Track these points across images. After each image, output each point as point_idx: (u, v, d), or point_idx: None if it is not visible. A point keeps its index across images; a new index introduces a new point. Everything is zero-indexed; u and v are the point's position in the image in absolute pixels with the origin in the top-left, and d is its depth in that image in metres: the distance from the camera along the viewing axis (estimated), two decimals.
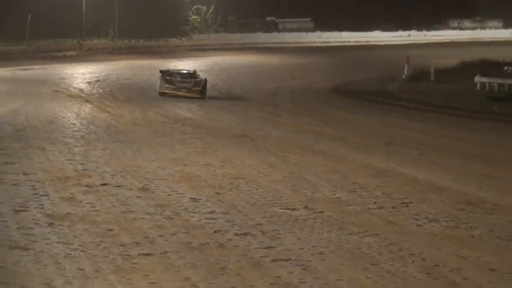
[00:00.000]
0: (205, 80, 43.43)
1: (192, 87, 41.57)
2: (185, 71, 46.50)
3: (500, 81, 54.13)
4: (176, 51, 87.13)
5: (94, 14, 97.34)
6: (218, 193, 16.69)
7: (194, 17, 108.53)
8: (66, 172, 18.62)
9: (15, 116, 30.40)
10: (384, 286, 10.70)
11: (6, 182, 17.00)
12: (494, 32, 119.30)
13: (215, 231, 13.38)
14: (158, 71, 44.84)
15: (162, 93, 41.92)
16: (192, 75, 44.29)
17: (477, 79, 54.95)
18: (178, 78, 42.79)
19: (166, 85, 41.73)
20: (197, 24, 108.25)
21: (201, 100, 41.74)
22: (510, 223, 14.65)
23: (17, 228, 13.06)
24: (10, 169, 18.64)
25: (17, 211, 14.29)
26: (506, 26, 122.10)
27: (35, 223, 13.47)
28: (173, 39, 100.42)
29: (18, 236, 12.57)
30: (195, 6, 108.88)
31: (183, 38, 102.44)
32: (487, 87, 53.13)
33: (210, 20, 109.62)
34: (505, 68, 66.76)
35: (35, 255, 11.60)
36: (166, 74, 43.65)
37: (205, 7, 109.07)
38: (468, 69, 65.45)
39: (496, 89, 52.10)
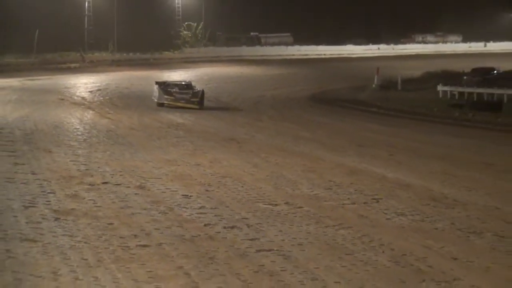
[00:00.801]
0: (203, 91, 41.58)
1: (190, 98, 39.88)
2: (181, 82, 44.68)
3: (460, 89, 54.29)
4: (169, 63, 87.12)
5: (95, 30, 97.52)
6: (207, 191, 16.69)
7: (185, 32, 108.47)
8: (70, 172, 18.60)
9: (24, 122, 30.39)
10: (357, 274, 10.71)
11: (16, 181, 16.97)
12: (454, 46, 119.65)
13: (205, 225, 13.38)
14: (154, 83, 43.25)
15: (161, 104, 40.10)
16: (189, 86, 42.47)
17: (440, 88, 55.10)
18: (176, 89, 40.94)
19: (165, 96, 40.04)
20: (188, 39, 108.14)
21: None
22: (469, 217, 14.68)
23: (27, 222, 13.04)
24: (20, 169, 18.62)
25: (26, 207, 14.27)
26: (465, 40, 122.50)
27: (43, 218, 13.46)
28: (167, 52, 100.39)
29: (28, 230, 12.55)
30: (186, 23, 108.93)
31: (175, 52, 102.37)
32: (448, 95, 53.31)
33: (200, 35, 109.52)
34: (464, 78, 66.98)
35: (43, 246, 11.59)
36: (164, 85, 41.82)
37: (195, 24, 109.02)
38: (431, 79, 65.59)
39: (456, 96, 52.26)
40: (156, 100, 40.95)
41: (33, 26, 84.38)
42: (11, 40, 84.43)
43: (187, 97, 39.93)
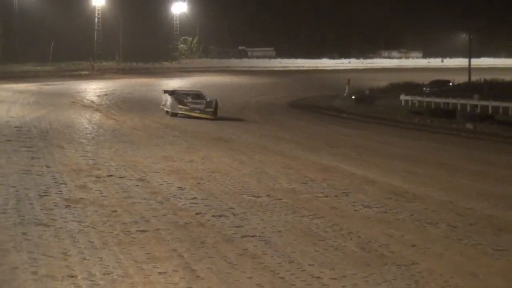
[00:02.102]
0: (216, 101, 36.91)
1: (205, 108, 35.36)
2: (192, 91, 40.22)
3: (420, 98, 54.60)
4: (167, 72, 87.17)
5: (103, 42, 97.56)
6: (199, 183, 16.66)
7: (182, 45, 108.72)
8: (80, 165, 18.54)
9: (41, 121, 30.29)
10: (329, 257, 10.71)
11: (32, 173, 16.90)
12: (415, 61, 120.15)
13: (196, 213, 13.36)
14: (163, 91, 39.29)
15: (174, 113, 35.57)
16: (200, 95, 38.01)
17: (402, 97, 55.36)
18: (189, 99, 36.30)
19: (179, 106, 35.44)
20: (184, 51, 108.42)
21: None
22: (426, 209, 14.70)
23: (41, 209, 12.99)
24: (36, 163, 18.55)
25: (41, 196, 14.22)
26: (425, 56, 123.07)
27: (55, 205, 13.41)
28: (165, 63, 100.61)
29: (42, 216, 12.50)
30: (183, 37, 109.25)
31: (173, 62, 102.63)
32: (409, 103, 53.57)
33: (195, 48, 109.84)
34: (424, 88, 67.37)
35: (55, 230, 11.55)
36: (176, 95, 37.07)
37: (191, 38, 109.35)
38: (395, 89, 65.87)
39: (417, 105, 52.52)
40: (168, 110, 36.61)
41: (49, 39, 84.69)
42: (30, 51, 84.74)
43: (201, 107, 35.57)
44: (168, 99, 36.86)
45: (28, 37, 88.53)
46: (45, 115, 33.26)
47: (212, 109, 35.38)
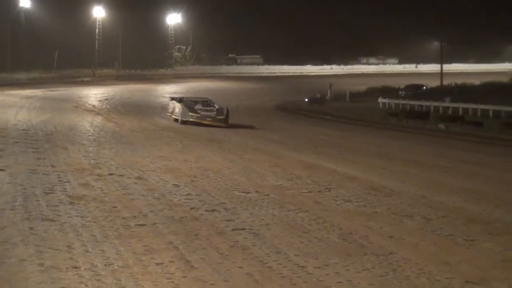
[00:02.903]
0: (227, 108, 34.00)
1: (216, 116, 32.53)
2: (200, 98, 36.89)
3: (396, 101, 54.70)
4: (163, 78, 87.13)
5: (104, 51, 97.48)
6: (193, 181, 16.66)
7: (176, 53, 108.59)
8: (82, 165, 18.51)
9: (46, 124, 30.22)
10: (313, 248, 10.72)
11: (39, 172, 16.86)
12: (392, 67, 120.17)
13: (191, 208, 13.36)
14: (170, 98, 37.16)
15: (184, 121, 32.72)
16: (209, 102, 34.89)
17: (380, 100, 55.51)
18: (200, 106, 33.44)
19: (190, 113, 32.65)
20: (179, 59, 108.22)
21: None
22: (402, 203, 14.74)
23: (47, 206, 12.96)
24: (42, 163, 18.51)
25: (46, 193, 14.19)
26: (400, 62, 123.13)
27: (60, 202, 13.38)
28: (161, 70, 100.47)
29: (48, 211, 12.48)
30: (177, 46, 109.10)
31: (168, 69, 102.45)
32: (387, 105, 53.68)
33: (188, 56, 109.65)
34: (400, 92, 67.56)
35: (60, 225, 11.53)
36: (185, 102, 34.14)
37: (185, 47, 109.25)
38: (373, 93, 66.21)
39: (393, 107, 52.63)
40: (177, 117, 33.77)
41: (53, 48, 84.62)
42: (36, 59, 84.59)
43: (212, 115, 32.68)
44: (177, 106, 34.19)
45: (34, 46, 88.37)
46: (50, 119, 33.16)
47: (223, 117, 32.71)
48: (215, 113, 32.84)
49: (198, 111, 32.87)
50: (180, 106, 33.45)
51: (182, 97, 36.24)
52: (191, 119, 32.46)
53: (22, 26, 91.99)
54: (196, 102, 34.36)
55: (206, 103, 34.51)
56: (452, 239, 11.72)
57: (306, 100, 57.53)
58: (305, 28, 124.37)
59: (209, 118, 32.45)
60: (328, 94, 63.56)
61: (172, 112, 34.83)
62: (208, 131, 30.27)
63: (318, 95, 60.01)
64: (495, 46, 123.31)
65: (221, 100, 38.69)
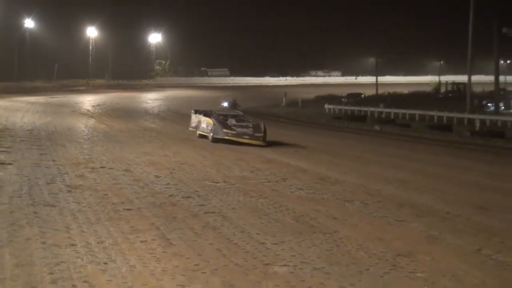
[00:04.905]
0: (264, 125, 25.41)
1: (254, 133, 24.47)
2: (229, 112, 28.40)
3: (339, 107, 55.19)
4: (146, 88, 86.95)
5: (96, 64, 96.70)
6: (171, 173, 16.58)
7: (157, 67, 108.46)
8: (78, 159, 18.34)
9: (47, 126, 29.90)
10: (271, 228, 10.73)
11: (41, 166, 16.67)
12: (336, 79, 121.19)
13: (169, 195, 13.29)
14: (192, 111, 28.75)
15: (217, 139, 24.54)
16: (241, 117, 26.65)
17: (326, 106, 56.00)
18: (233, 122, 25.27)
19: (225, 130, 24.49)
20: (159, 71, 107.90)
21: (160, 114, 40.47)
22: (345, 190, 14.82)
23: (48, 194, 12.82)
24: (44, 158, 18.31)
25: (48, 183, 14.03)
26: (343, 74, 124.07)
27: (59, 190, 13.24)
28: (144, 80, 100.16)
29: (49, 198, 12.35)
30: (158, 60, 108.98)
31: (150, 80, 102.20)
32: (332, 110, 54.11)
33: (167, 69, 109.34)
34: (342, 99, 67.99)
35: (60, 210, 11.41)
36: (216, 116, 25.85)
37: (164, 61, 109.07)
38: (321, 100, 66.72)
39: (337, 112, 53.03)
40: (205, 133, 25.82)
41: (53, 61, 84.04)
42: (38, 70, 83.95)
43: (249, 131, 24.58)
44: (204, 121, 26.30)
45: (37, 59, 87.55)
46: (51, 121, 32.81)
47: (262, 134, 24.61)
48: (251, 129, 24.77)
49: (233, 128, 24.74)
50: (211, 122, 25.44)
51: (210, 111, 27.74)
52: (226, 137, 24.43)
53: (27, 43, 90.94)
54: (226, 117, 26.16)
55: (238, 117, 26.42)
56: (386, 220, 11.82)
57: (225, 104, 53.89)
58: (264, 45, 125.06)
59: (246, 136, 24.45)
60: (284, 101, 63.80)
61: (197, 127, 27.05)
62: (184, 132, 30.08)
63: (234, 100, 56.89)
64: (420, 61, 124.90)
65: (194, 106, 38.49)
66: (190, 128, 27.96)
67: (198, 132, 26.65)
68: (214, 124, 25.03)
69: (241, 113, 28.02)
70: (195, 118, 27.75)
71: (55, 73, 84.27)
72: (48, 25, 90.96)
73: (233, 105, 51.99)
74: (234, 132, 24.47)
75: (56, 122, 32.41)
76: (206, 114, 26.67)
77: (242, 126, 24.93)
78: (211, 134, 24.99)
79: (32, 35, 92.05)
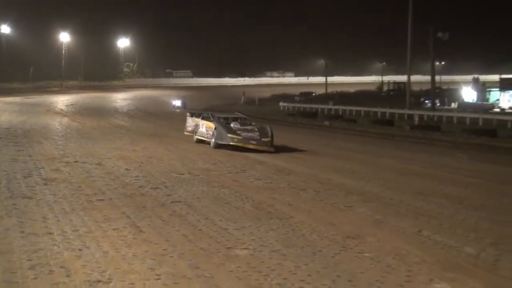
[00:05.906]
0: (270, 128, 21.80)
1: (261, 138, 20.79)
2: (230, 115, 24.03)
3: (293, 104, 55.41)
4: (116, 88, 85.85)
5: (69, 66, 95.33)
6: (140, 166, 16.47)
7: (126, 69, 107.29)
8: (53, 155, 18.09)
9: (24, 124, 29.41)
10: (233, 215, 10.75)
11: (19, 161, 16.41)
12: (289, 79, 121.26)
13: (139, 186, 13.21)
14: (188, 115, 24.90)
15: (220, 144, 21.04)
16: (244, 120, 22.74)
17: (281, 103, 56.14)
18: (237, 126, 21.54)
19: (230, 135, 20.86)
20: (127, 73, 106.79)
21: (129, 112, 40.20)
22: (299, 180, 14.92)
23: (26, 186, 12.63)
24: (21, 154, 18.00)
25: (25, 177, 13.82)
26: (296, 75, 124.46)
27: (36, 183, 13.05)
28: (114, 81, 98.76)
29: (27, 191, 12.15)
30: (126, 63, 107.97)
31: (119, 81, 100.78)
32: (286, 108, 54.26)
33: (135, 71, 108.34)
34: (295, 98, 68.24)
35: (37, 201, 11.25)
36: (217, 120, 22.03)
37: (132, 63, 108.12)
38: (276, 98, 66.79)
39: (291, 109, 53.23)
40: (206, 139, 22.02)
41: (29, 64, 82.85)
42: (15, 72, 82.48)
43: (256, 137, 20.85)
44: (203, 124, 22.65)
45: (13, 62, 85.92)
46: (27, 120, 32.26)
47: (269, 139, 21.09)
48: (257, 133, 21.07)
49: (238, 132, 21.05)
50: (212, 126, 21.74)
51: (208, 113, 23.95)
52: (231, 143, 20.78)
53: (3, 47, 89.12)
54: (227, 119, 22.42)
55: (241, 121, 22.63)
56: (336, 206, 11.94)
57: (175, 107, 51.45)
58: (225, 48, 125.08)
59: (253, 141, 20.79)
60: (242, 100, 63.76)
61: (194, 132, 23.31)
62: (151, 128, 29.93)
63: (185, 99, 55.26)
64: (365, 62, 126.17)
65: (160, 104, 38.23)
66: (185, 133, 24.26)
67: (195, 137, 22.95)
68: (216, 129, 21.33)
69: (243, 115, 23.91)
70: (191, 121, 23.90)
71: (31, 75, 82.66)
72: (23, 30, 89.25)
73: (184, 105, 50.55)
74: (240, 138, 20.80)
75: (32, 120, 31.86)
76: (204, 117, 23.03)
77: (247, 130, 21.18)
78: (213, 140, 21.35)
79: (8, 40, 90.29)
